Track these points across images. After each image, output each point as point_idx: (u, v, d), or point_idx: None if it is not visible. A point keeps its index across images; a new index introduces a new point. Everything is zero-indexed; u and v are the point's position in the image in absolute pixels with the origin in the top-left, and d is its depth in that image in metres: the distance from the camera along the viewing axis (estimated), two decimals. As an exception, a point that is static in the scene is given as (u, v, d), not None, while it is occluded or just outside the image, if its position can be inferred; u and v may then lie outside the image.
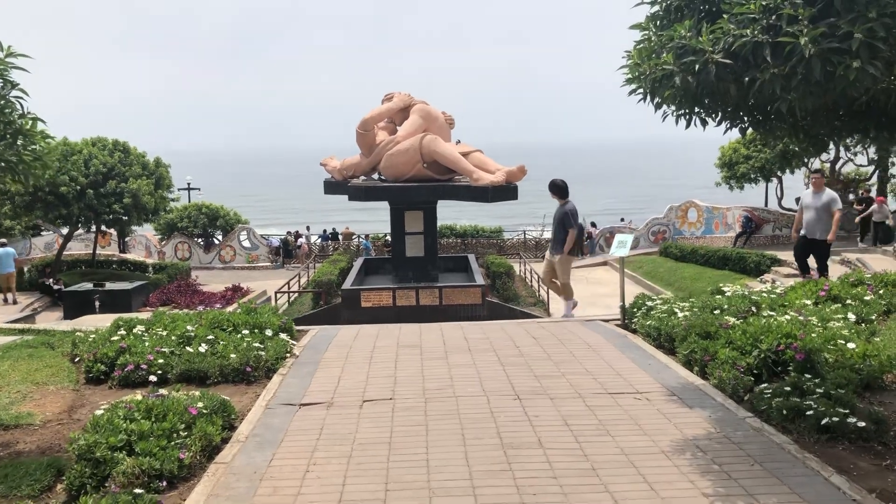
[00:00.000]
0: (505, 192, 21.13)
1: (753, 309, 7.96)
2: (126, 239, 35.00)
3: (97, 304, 13.10)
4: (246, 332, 7.24)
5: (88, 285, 14.01)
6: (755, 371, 6.15)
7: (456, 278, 23.93)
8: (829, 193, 11.91)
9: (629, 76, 5.18)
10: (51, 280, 21.54)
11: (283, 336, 7.34)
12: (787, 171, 28.11)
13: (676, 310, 7.91)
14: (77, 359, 7.20)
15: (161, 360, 6.61)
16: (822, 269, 12.07)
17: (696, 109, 5.26)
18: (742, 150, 28.27)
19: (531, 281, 25.27)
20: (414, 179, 21.82)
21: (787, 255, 23.13)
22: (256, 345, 6.83)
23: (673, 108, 5.30)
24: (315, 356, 7.28)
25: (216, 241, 34.00)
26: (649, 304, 8.40)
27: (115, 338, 7.06)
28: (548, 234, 37.97)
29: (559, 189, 11.45)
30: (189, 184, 41.03)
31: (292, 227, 48.58)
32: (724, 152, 29.46)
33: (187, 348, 6.79)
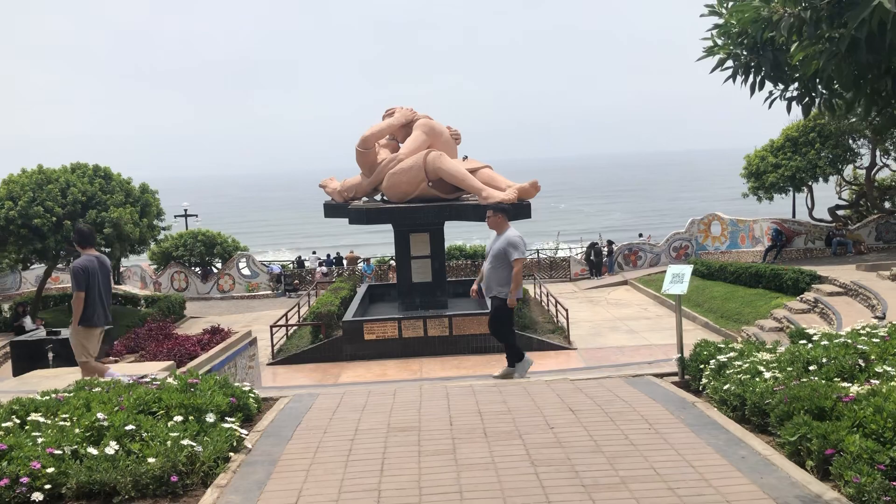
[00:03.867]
0: (517, 210, 19.23)
1: (861, 363, 5.90)
2: (121, 270, 33.22)
3: (50, 356, 11.20)
4: (179, 418, 5.24)
5: (41, 333, 12.10)
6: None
7: (467, 305, 21.97)
8: (508, 236, 8.85)
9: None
10: (26, 320, 19.66)
11: (229, 423, 5.33)
12: (822, 180, 26.03)
13: (761, 368, 5.86)
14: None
15: (52, 469, 4.63)
16: (503, 338, 9.31)
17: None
18: (770, 159, 26.22)
19: (547, 304, 23.25)
20: (419, 199, 20.06)
21: (826, 270, 21.04)
22: (186, 442, 4.83)
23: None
24: (273, 449, 5.27)
25: (214, 270, 32.16)
26: (721, 357, 6.34)
27: (-4, 433, 5.08)
28: (563, 253, 36.13)
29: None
30: (186, 210, 39.29)
31: (300, 251, 46.79)
32: (750, 161, 27.43)
33: (91, 449, 4.80)
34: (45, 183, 19.88)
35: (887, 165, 26.39)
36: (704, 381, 6.31)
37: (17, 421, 5.41)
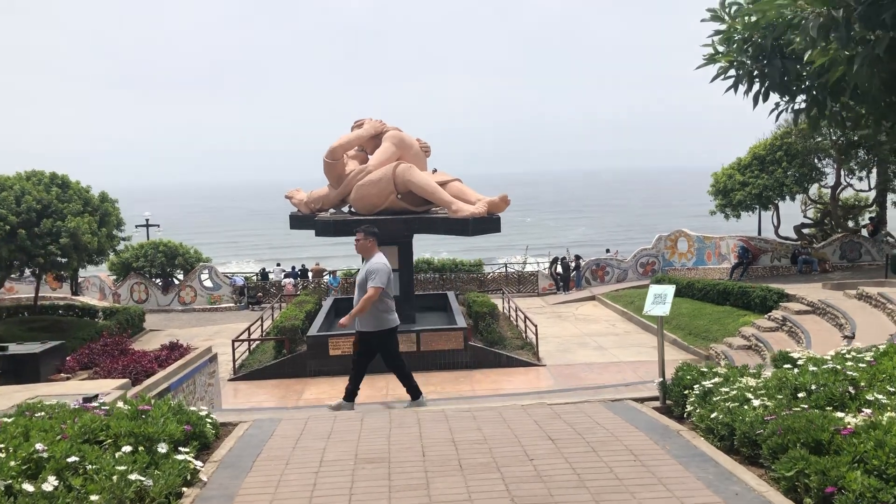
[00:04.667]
0: (486, 223, 19.04)
1: (851, 390, 5.66)
2: (79, 281, 32.27)
3: (-4, 372, 10.58)
4: (128, 448, 4.78)
5: (-14, 350, 11.47)
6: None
7: (435, 319, 21.67)
8: (371, 263, 8.32)
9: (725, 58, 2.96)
10: (-27, 333, 18.87)
11: (183, 453, 4.89)
12: (788, 198, 26.17)
13: (749, 395, 5.59)
14: None
15: (-19, 507, 4.16)
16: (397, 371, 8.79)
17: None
18: (738, 177, 26.32)
19: (516, 319, 22.98)
20: (387, 212, 19.71)
21: (793, 289, 21.09)
22: (134, 477, 4.38)
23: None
24: (231, 483, 4.84)
25: (175, 282, 31.36)
26: (706, 383, 6.05)
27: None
28: (531, 267, 35.96)
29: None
30: (147, 220, 38.37)
31: (264, 263, 46.06)
32: (717, 178, 27.52)
33: (27, 485, 4.33)
34: (-1, 190, 19.13)
35: (851, 185, 26.64)
36: (689, 407, 6.02)
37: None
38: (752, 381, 6.03)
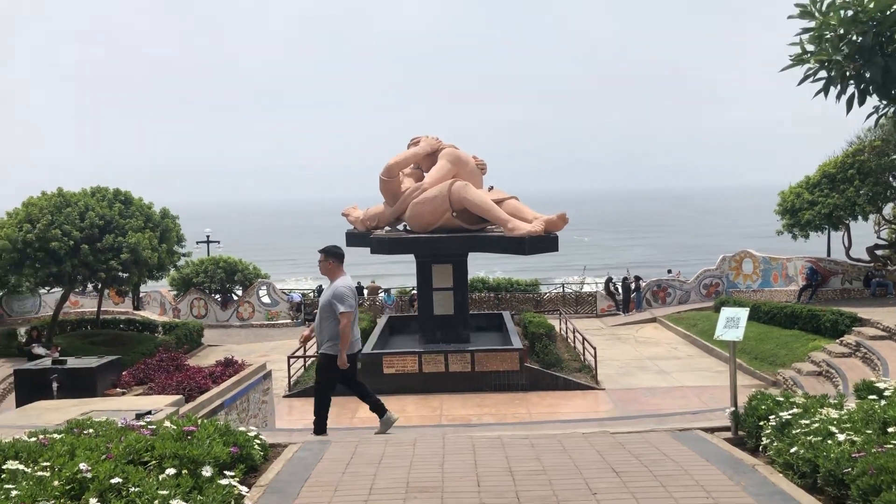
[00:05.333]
0: (543, 242, 18.66)
1: (948, 424, 5.17)
2: (140, 296, 32.90)
3: (55, 386, 10.67)
4: (172, 471, 4.62)
5: (47, 362, 11.60)
6: None
7: (490, 339, 21.37)
8: (336, 286, 7.90)
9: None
10: (37, 346, 19.22)
11: (228, 477, 4.70)
12: (860, 218, 25.09)
13: (833, 429, 5.15)
14: None
15: (23, 529, 4.03)
16: (356, 391, 8.31)
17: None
18: (806, 196, 25.37)
19: (574, 341, 22.49)
20: (442, 230, 19.53)
21: (866, 312, 20.10)
22: (176, 502, 4.21)
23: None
24: (276, 511, 4.63)
25: (234, 298, 31.73)
26: (783, 414, 5.62)
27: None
28: (589, 288, 35.33)
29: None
30: (208, 236, 39.02)
31: (321, 280, 46.33)
32: (785, 197, 26.58)
33: (70, 505, 4.20)
34: (64, 206, 19.55)
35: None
36: (765, 440, 5.59)
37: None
38: (834, 413, 5.58)
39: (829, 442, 4.98)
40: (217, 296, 31.59)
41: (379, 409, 8.25)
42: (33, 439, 5.35)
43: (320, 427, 8.22)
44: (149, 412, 8.37)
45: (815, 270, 25.64)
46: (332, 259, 8.09)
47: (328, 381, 8.17)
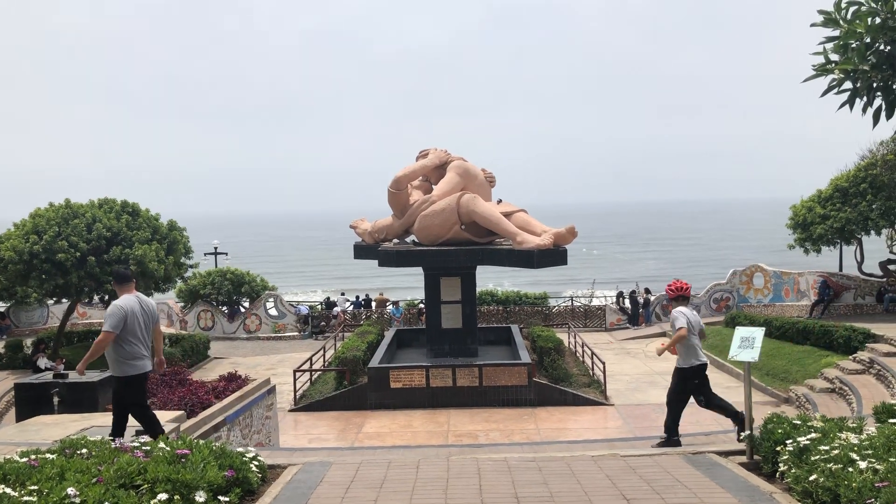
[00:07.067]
0: (552, 256, 18.48)
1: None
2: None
3: (56, 400, 10.51)
4: (164, 496, 4.44)
5: (48, 376, 11.45)
6: None
7: (498, 353, 21.18)
8: (111, 305, 7.56)
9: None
10: (41, 358, 19.10)
11: (222, 503, 4.51)
12: (873, 232, 24.78)
13: (854, 455, 4.92)
14: None
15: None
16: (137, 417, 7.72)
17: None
18: (818, 210, 25.08)
19: (583, 355, 22.23)
20: (451, 242, 19.39)
21: (880, 328, 19.76)
22: (166, 531, 4.03)
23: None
24: (273, 538, 4.44)
25: (241, 310, 31.61)
26: (801, 439, 5.40)
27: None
28: (599, 301, 35.06)
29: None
30: (216, 248, 38.96)
31: (330, 293, 46.27)
32: (796, 211, 26.29)
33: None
34: (72, 217, 19.47)
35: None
36: (783, 466, 5.37)
37: (-19, 491, 4.66)
38: (854, 438, 5.35)
39: (850, 470, 4.76)
40: (224, 308, 31.50)
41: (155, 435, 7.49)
42: (24, 459, 5.18)
43: (117, 430, 7.60)
44: (136, 436, 8.18)
45: (828, 285, 25.32)
46: (113, 281, 7.82)
47: (118, 402, 7.63)
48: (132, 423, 7.80)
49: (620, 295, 32.00)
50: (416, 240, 20.32)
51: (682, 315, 8.65)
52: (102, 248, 19.41)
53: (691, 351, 8.46)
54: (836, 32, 3.06)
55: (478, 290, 24.56)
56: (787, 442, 5.53)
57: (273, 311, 31.53)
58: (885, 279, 25.54)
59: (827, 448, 5.16)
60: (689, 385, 8.41)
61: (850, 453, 4.98)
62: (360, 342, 21.02)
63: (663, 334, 27.77)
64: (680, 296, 9.20)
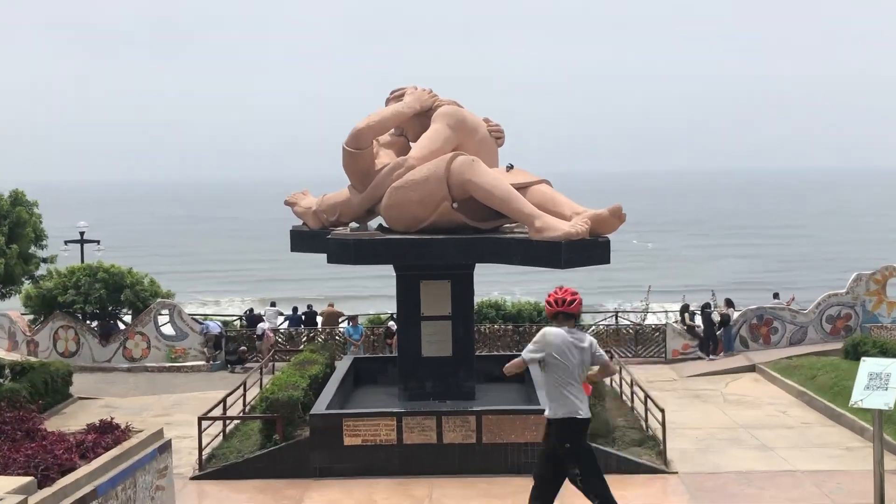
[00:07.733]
0: (588, 250, 18.64)
1: None
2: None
3: None
4: None
5: None
6: None
7: (506, 395, 21.42)
8: None
9: None
10: None
11: None
12: None
13: None
14: None
15: None
16: None
17: None
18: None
19: (632, 398, 22.46)
20: (437, 228, 19.51)
21: None
22: None
23: None
24: None
25: (121, 326, 31.73)
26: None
27: None
28: (656, 318, 35.34)
29: None
30: (82, 234, 38.99)
31: (253, 304, 46.44)
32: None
33: None
34: None
35: None
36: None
37: None
38: None
39: None
40: (94, 323, 31.57)
41: None
42: None
43: None
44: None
45: None
46: None
47: None
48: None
49: (686, 309, 32.27)
50: (386, 223, 20.41)
51: (543, 338, 8.68)
52: None
53: (559, 395, 8.46)
54: None
55: (477, 300, 24.73)
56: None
57: (168, 330, 31.57)
58: None
59: None
60: (554, 449, 8.49)
61: None
62: (298, 377, 21.10)
63: (751, 368, 28.07)
64: (559, 312, 9.08)
